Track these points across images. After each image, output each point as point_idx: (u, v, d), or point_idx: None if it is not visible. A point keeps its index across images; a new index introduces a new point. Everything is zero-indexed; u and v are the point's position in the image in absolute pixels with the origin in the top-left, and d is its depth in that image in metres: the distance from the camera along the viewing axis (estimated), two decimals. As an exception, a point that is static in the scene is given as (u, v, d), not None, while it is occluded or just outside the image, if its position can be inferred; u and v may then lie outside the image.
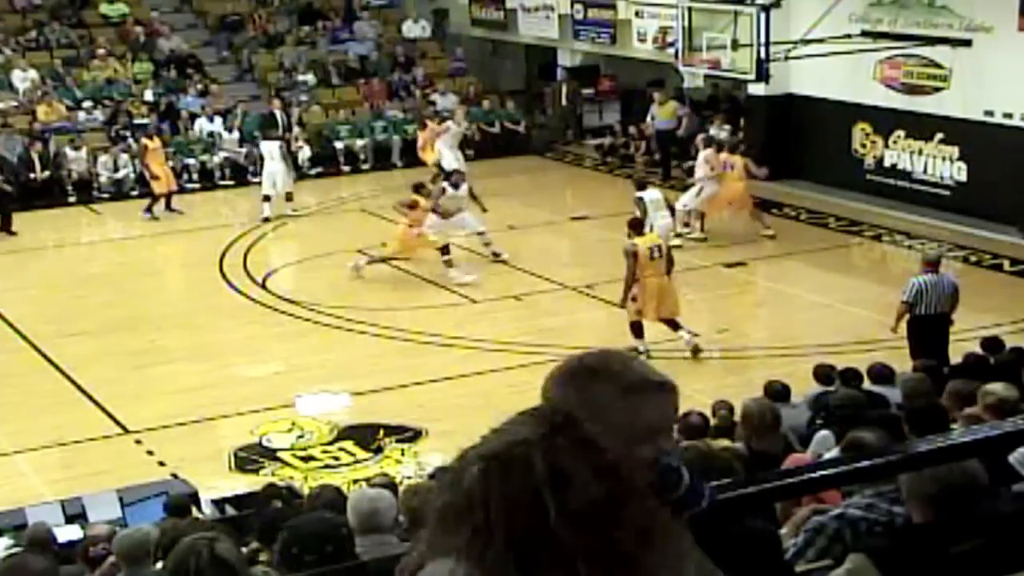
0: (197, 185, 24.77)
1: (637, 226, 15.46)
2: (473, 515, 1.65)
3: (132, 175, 24.01)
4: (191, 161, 24.86)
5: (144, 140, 23.09)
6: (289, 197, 22.48)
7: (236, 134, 25.28)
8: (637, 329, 14.84)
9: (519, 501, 1.63)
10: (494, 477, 1.65)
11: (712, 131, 23.33)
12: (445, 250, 18.25)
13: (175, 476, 11.94)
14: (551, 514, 1.62)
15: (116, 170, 23.80)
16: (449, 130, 23.85)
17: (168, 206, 22.68)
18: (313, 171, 25.06)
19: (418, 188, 18.61)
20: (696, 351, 14.87)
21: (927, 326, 13.04)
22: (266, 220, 22.00)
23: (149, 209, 22.41)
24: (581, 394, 2.21)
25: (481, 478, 1.66)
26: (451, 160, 23.54)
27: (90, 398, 14.30)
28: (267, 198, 22.18)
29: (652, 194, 18.11)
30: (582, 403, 2.17)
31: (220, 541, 4.22)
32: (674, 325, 15.00)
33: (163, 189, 22.62)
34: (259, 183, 24.57)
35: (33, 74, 25.98)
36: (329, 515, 5.40)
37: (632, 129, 26.22)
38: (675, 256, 18.05)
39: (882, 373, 10.73)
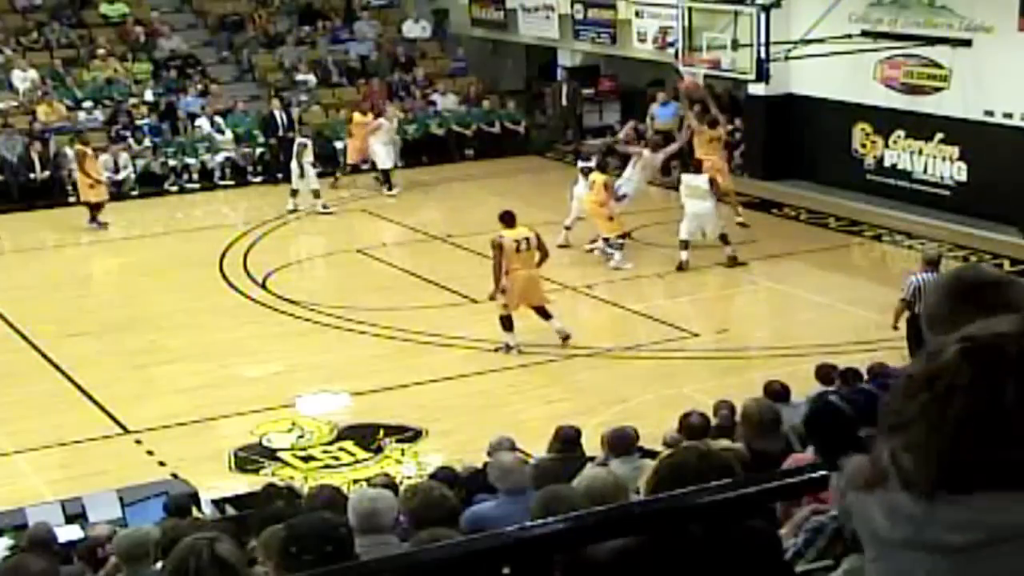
0: (197, 185, 24.75)
1: (507, 219, 15.47)
2: (940, 383, 1.83)
3: (133, 175, 24.06)
4: (191, 161, 24.84)
5: (83, 147, 22.33)
6: (294, 193, 22.58)
7: (229, 134, 25.25)
8: (507, 323, 15.11)
9: (985, 380, 1.80)
10: (968, 355, 1.84)
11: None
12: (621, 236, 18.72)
13: (175, 476, 11.95)
14: (1008, 396, 1.78)
15: (116, 170, 23.75)
16: (382, 127, 23.94)
17: (94, 218, 21.98)
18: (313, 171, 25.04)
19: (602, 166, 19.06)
20: (566, 339, 15.20)
21: (927, 325, 13.03)
22: (325, 208, 22.55)
23: (94, 219, 21.82)
24: (1007, 300, 2.40)
25: (956, 355, 1.84)
26: (385, 157, 23.67)
27: (90, 398, 14.30)
28: (314, 192, 22.64)
29: (693, 179, 18.49)
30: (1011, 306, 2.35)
31: (220, 541, 4.21)
32: (544, 314, 15.27)
33: (100, 197, 21.96)
34: (259, 183, 24.73)
35: (33, 74, 25.96)
36: (329, 515, 5.39)
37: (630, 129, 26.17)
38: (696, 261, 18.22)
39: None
